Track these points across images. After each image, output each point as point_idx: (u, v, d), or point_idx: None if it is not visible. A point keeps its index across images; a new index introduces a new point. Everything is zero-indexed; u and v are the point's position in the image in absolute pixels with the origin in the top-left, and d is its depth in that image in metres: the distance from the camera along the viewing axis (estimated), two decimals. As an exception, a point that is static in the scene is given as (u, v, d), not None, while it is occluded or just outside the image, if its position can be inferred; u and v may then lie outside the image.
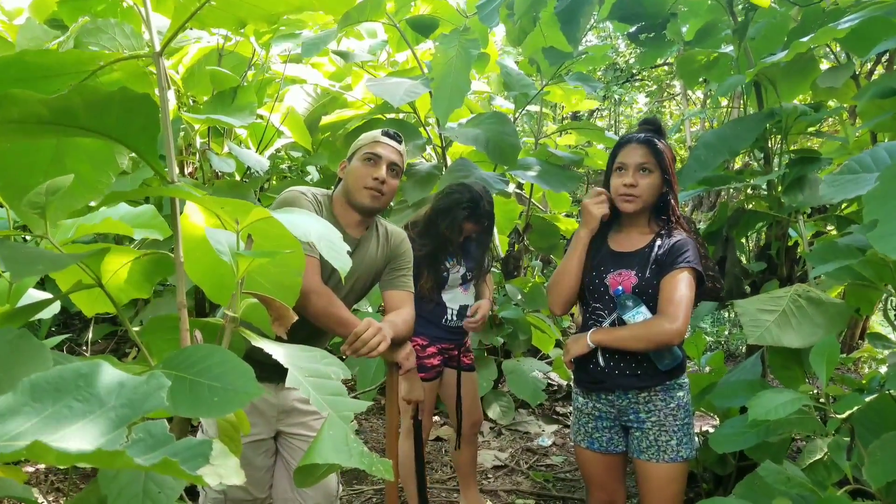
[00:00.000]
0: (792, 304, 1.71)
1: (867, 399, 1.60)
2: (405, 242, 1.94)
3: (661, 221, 1.87)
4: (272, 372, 1.26)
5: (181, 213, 1.20)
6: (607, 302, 1.85)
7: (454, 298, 2.48)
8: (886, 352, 1.76)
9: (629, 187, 1.80)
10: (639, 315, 1.75)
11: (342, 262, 1.01)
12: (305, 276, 1.65)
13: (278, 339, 1.14)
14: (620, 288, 1.81)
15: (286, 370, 0.96)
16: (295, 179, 4.96)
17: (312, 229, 1.03)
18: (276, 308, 1.22)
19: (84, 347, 3.77)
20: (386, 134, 1.84)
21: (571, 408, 1.99)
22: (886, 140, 2.85)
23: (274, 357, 1.02)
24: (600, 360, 1.82)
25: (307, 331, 1.69)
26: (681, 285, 1.74)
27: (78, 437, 0.63)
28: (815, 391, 1.55)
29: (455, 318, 2.48)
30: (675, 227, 1.85)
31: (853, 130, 2.74)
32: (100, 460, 0.55)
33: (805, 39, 2.02)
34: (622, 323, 1.80)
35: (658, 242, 1.82)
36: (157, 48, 1.18)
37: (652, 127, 1.91)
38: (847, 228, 1.62)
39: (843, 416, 1.52)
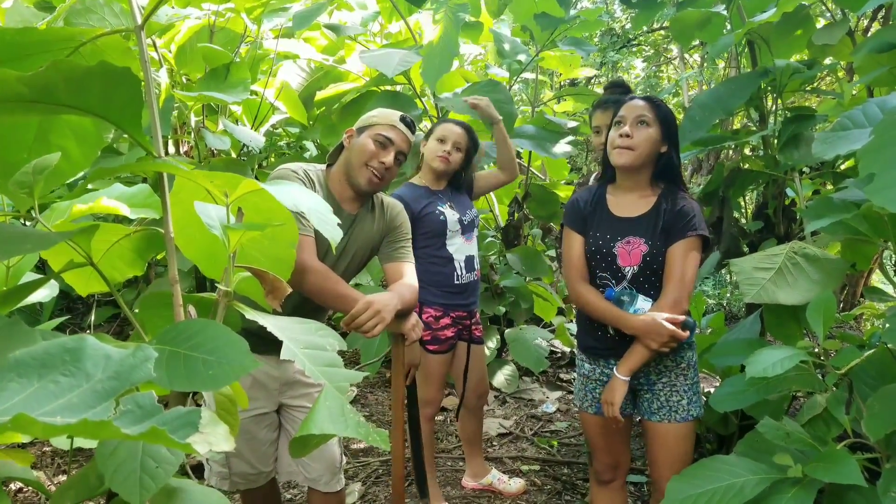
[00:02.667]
0: (788, 262, 1.71)
1: (866, 354, 1.61)
2: (401, 214, 1.93)
3: (662, 183, 1.83)
4: (273, 344, 1.27)
5: (170, 189, 1.20)
6: (615, 272, 1.81)
7: (459, 249, 2.45)
8: (884, 306, 1.76)
9: (624, 138, 1.75)
10: (639, 310, 1.73)
11: (333, 232, 1.01)
12: (301, 254, 1.65)
13: (275, 312, 1.15)
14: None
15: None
16: (293, 155, 4.94)
17: (303, 200, 1.03)
18: (269, 281, 1.22)
19: (87, 331, 3.80)
20: (403, 120, 1.80)
21: (575, 374, 1.99)
22: (885, 94, 2.82)
23: (268, 329, 1.03)
24: (610, 328, 1.82)
25: (307, 307, 1.69)
26: (687, 261, 1.72)
27: (65, 411, 0.63)
28: (815, 347, 1.55)
29: (464, 271, 2.45)
30: (677, 190, 1.81)
31: (850, 87, 2.70)
32: (86, 431, 0.55)
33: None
34: (631, 289, 1.78)
35: (663, 206, 1.78)
36: (139, 21, 1.17)
37: (620, 89, 1.88)
38: (842, 183, 1.60)
39: (842, 370, 1.52)
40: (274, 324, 1.07)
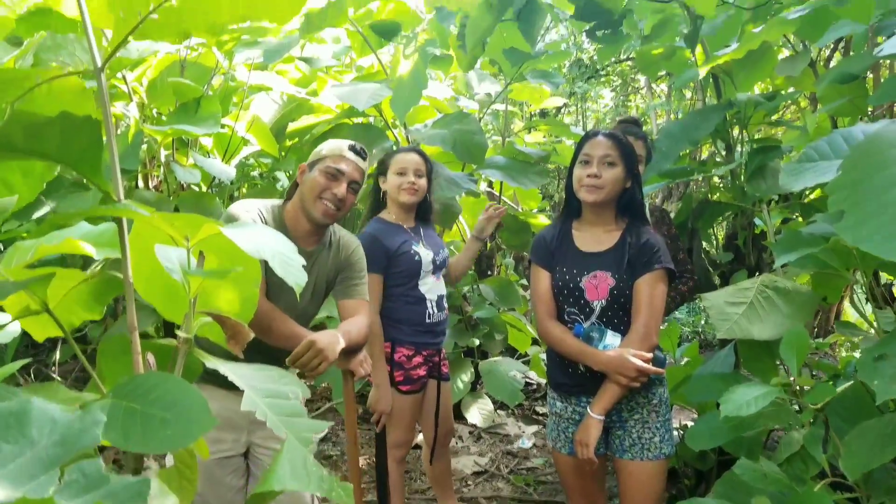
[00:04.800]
0: (759, 296, 1.71)
1: (839, 388, 1.61)
2: (357, 251, 1.91)
3: (626, 218, 1.86)
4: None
5: (130, 232, 1.16)
6: (583, 307, 1.82)
7: (431, 288, 2.40)
8: (857, 339, 1.77)
9: (593, 177, 1.78)
10: (608, 345, 1.73)
11: (297, 277, 0.99)
12: None
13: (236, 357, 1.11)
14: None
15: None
16: (266, 186, 4.90)
17: (265, 245, 1.00)
18: (230, 326, 1.19)
19: (52, 368, 3.67)
20: (352, 149, 1.79)
21: (547, 414, 1.97)
22: (847, 124, 2.89)
23: (230, 378, 1.00)
24: (581, 365, 1.80)
25: (270, 349, 1.66)
26: (654, 294, 1.74)
27: (7, 482, 0.60)
28: (791, 380, 1.55)
29: (436, 310, 2.40)
30: (641, 224, 1.84)
31: (813, 117, 2.77)
32: (26, 508, 0.52)
33: (756, 31, 2.03)
34: (600, 324, 1.79)
35: (628, 240, 1.81)
36: (98, 63, 1.14)
37: (632, 126, 1.94)
38: (811, 217, 1.62)
39: (817, 406, 1.52)
40: (235, 371, 1.04)
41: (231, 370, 1.03)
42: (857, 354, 3.00)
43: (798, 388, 1.53)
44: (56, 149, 0.98)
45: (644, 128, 6.94)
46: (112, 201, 1.15)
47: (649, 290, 1.74)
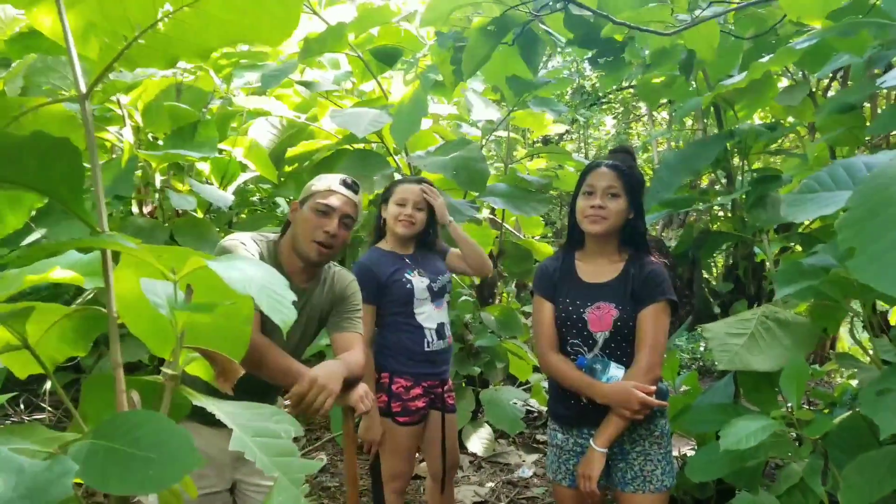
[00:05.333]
0: (760, 327, 1.69)
1: (837, 419, 1.58)
2: (352, 285, 1.87)
3: (629, 249, 1.84)
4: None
5: (118, 264, 1.14)
6: (586, 338, 1.79)
7: (429, 317, 2.34)
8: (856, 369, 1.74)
9: (597, 208, 1.77)
10: (612, 377, 1.71)
11: (285, 315, 0.96)
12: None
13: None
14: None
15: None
16: (265, 213, 4.89)
17: (254, 280, 0.98)
18: (219, 362, 1.16)
19: (43, 398, 3.63)
20: (343, 183, 1.74)
21: (548, 445, 1.93)
22: (846, 153, 2.89)
23: (218, 416, 0.97)
24: (583, 397, 1.78)
25: (260, 384, 1.62)
26: (658, 326, 1.72)
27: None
28: (788, 408, 1.52)
29: (435, 338, 2.35)
30: (644, 255, 1.82)
31: (812, 146, 2.76)
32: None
33: (764, 60, 2.03)
34: (603, 356, 1.76)
35: (631, 272, 1.79)
36: (83, 90, 1.12)
37: (625, 154, 1.93)
38: (813, 248, 1.60)
39: (816, 437, 1.49)
40: (223, 409, 1.01)
41: (220, 408, 1.00)
42: (853, 383, 2.96)
43: (798, 420, 1.49)
44: (34, 175, 0.95)
45: (645, 155, 6.97)
46: (96, 232, 1.13)
47: (653, 321, 1.72)
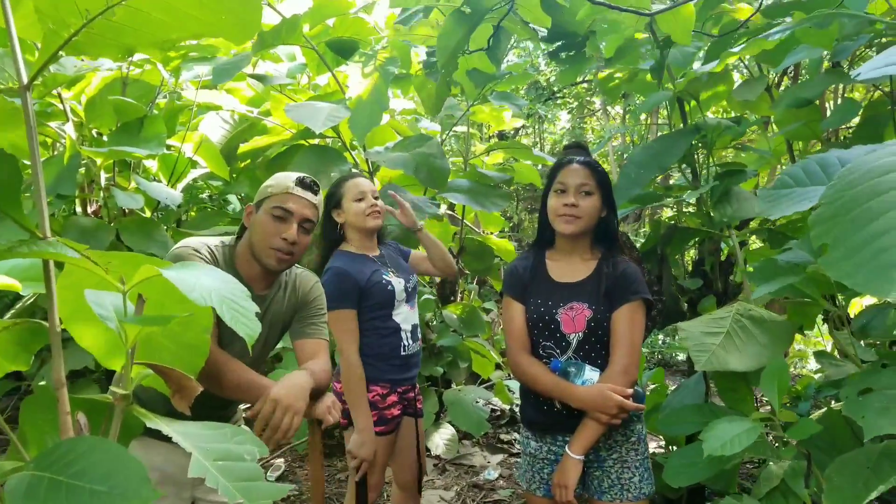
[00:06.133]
0: (735, 325, 1.66)
1: (813, 416, 1.57)
2: (315, 288, 1.75)
3: (601, 247, 1.79)
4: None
5: (62, 270, 1.03)
6: (559, 340, 1.72)
7: (406, 318, 2.24)
8: (832, 369, 1.74)
9: (570, 207, 1.70)
10: (587, 381, 1.64)
11: (249, 328, 0.87)
12: None
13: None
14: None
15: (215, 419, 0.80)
16: (215, 210, 4.71)
17: (213, 290, 0.88)
18: (175, 379, 1.06)
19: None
20: (300, 184, 1.59)
21: (517, 435, 1.86)
22: (802, 147, 2.93)
23: (174, 440, 0.88)
24: (557, 402, 1.71)
25: (216, 400, 1.51)
26: (634, 326, 1.66)
27: None
28: (768, 408, 1.50)
29: (410, 341, 2.25)
30: (617, 253, 1.77)
31: (770, 139, 2.79)
32: None
33: (735, 50, 2.02)
34: (577, 359, 1.70)
35: (604, 270, 1.73)
36: (24, 80, 1.00)
37: (579, 149, 1.85)
38: (786, 244, 1.59)
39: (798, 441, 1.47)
40: (181, 431, 0.92)
41: (177, 430, 0.91)
42: (816, 377, 3.01)
43: (779, 422, 1.47)
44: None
45: (601, 150, 7.03)
46: (36, 237, 1.01)
47: (628, 321, 1.66)
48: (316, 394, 1.54)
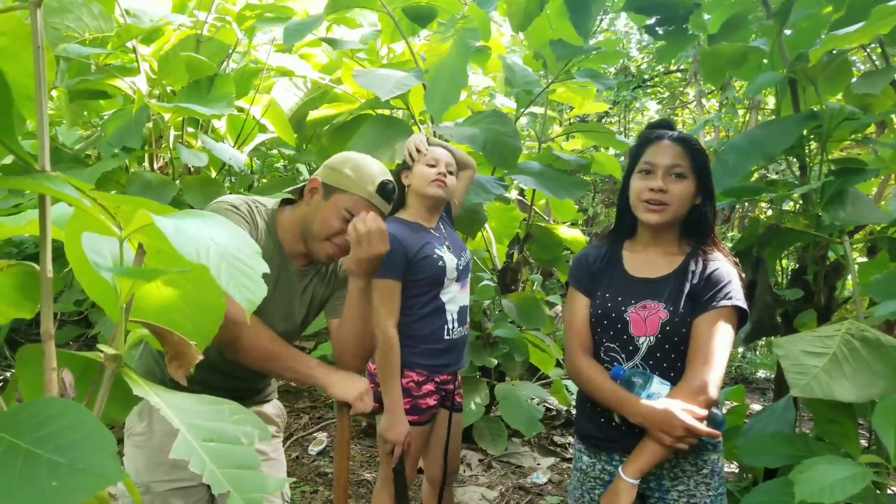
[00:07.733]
0: (844, 347, 1.40)
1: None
2: None
3: (691, 240, 1.52)
4: (224, 393, 0.96)
5: (72, 215, 0.91)
6: (626, 343, 1.48)
7: (454, 298, 2.08)
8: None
9: (657, 192, 1.44)
10: (653, 394, 1.39)
11: (252, 292, 0.72)
12: (232, 304, 1.28)
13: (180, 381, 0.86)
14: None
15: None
16: (287, 179, 4.70)
17: (210, 244, 0.73)
18: (173, 343, 0.92)
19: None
20: (382, 192, 1.45)
21: (571, 439, 1.65)
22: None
23: (165, 411, 0.76)
24: (616, 415, 1.48)
25: (241, 376, 1.41)
26: (718, 337, 1.39)
27: None
28: (879, 449, 1.24)
29: (456, 324, 2.09)
30: (710, 250, 1.49)
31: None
32: None
33: (849, 30, 1.72)
34: (645, 368, 1.46)
35: (692, 268, 1.47)
36: (34, -8, 0.87)
37: (664, 128, 1.57)
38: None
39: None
40: (171, 403, 0.79)
41: (167, 401, 0.79)
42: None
43: (894, 469, 1.21)
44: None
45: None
46: (32, 169, 0.89)
47: (712, 330, 1.39)
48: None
